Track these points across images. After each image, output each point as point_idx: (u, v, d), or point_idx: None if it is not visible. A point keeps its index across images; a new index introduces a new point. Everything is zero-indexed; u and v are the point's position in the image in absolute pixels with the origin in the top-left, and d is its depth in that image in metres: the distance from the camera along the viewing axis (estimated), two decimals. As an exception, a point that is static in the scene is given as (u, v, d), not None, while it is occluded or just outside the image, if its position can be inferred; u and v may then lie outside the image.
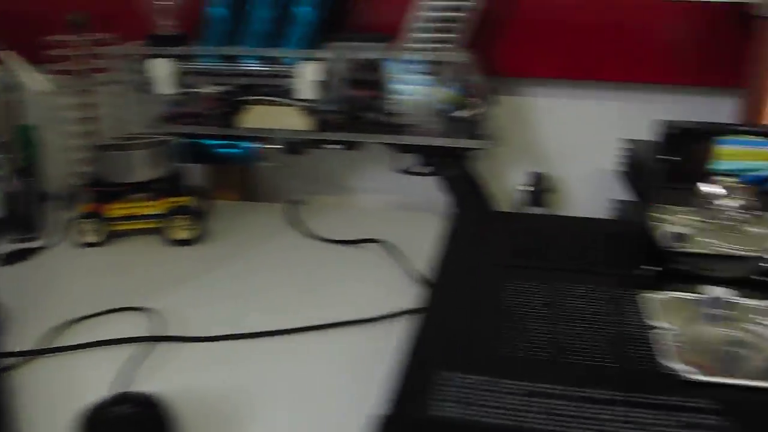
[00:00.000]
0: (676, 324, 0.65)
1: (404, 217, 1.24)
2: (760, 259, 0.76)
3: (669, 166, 0.70)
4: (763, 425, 0.53)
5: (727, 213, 0.74)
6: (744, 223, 0.74)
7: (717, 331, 0.64)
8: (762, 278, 0.76)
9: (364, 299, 0.85)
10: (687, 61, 1.24)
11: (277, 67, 1.17)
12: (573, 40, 1.25)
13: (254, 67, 1.17)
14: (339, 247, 1.05)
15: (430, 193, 1.25)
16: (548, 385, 0.55)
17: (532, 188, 1.31)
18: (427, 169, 1.24)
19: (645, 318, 0.66)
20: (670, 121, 0.70)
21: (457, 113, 1.19)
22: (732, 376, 0.57)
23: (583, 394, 0.54)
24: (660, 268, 0.74)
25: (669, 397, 0.55)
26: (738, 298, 0.69)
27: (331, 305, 0.83)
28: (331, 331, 0.78)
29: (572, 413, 0.52)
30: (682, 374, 0.57)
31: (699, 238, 0.84)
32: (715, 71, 1.23)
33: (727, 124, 0.74)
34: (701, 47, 1.23)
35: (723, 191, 0.74)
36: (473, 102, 1.18)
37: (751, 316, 0.67)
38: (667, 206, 0.78)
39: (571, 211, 1.34)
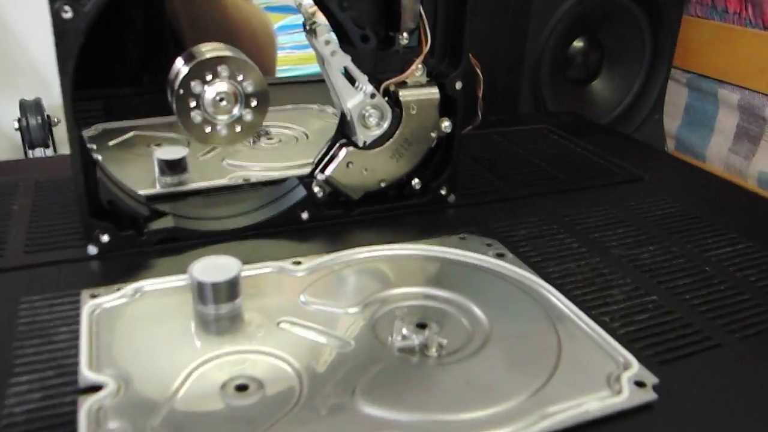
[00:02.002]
0: (128, 369, 0.31)
1: None
2: (300, 180, 0.46)
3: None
4: None
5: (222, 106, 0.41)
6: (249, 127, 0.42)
7: (213, 368, 0.31)
8: (305, 212, 0.46)
9: None
10: None
11: None
12: None
13: None
14: None
15: None
16: None
17: (28, 123, 0.88)
18: None
19: (84, 366, 0.31)
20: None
21: None
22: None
23: None
24: (108, 239, 0.40)
25: None
26: (262, 266, 0.39)
27: None
28: None
29: None
30: None
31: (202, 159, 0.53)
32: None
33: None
34: None
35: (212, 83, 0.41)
36: None
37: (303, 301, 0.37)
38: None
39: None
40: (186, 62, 0.41)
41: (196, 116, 0.41)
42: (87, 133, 0.59)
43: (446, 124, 0.47)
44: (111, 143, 0.58)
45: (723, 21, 1.04)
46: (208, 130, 0.41)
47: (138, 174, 0.52)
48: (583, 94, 0.99)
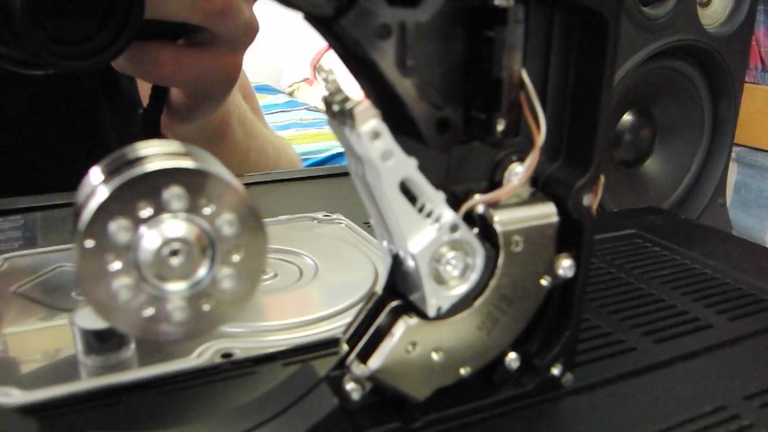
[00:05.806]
0: None
1: None
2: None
3: None
4: None
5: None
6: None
7: None
8: None
9: None
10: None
11: None
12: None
13: None
14: None
15: None
16: None
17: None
18: None
19: None
20: None
21: None
22: None
23: None
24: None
25: None
26: None
27: None
28: None
29: None
30: None
31: None
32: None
33: None
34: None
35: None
36: None
37: None
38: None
39: None
40: (107, 179, 0.21)
41: (122, 289, 0.20)
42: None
43: (567, 264, 0.27)
44: (18, 288, 0.38)
45: (778, 87, 0.87)
46: (147, 313, 0.21)
47: (56, 346, 0.32)
48: (633, 178, 0.81)
